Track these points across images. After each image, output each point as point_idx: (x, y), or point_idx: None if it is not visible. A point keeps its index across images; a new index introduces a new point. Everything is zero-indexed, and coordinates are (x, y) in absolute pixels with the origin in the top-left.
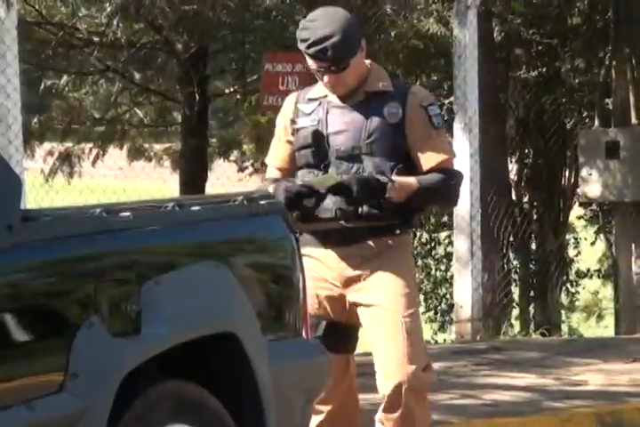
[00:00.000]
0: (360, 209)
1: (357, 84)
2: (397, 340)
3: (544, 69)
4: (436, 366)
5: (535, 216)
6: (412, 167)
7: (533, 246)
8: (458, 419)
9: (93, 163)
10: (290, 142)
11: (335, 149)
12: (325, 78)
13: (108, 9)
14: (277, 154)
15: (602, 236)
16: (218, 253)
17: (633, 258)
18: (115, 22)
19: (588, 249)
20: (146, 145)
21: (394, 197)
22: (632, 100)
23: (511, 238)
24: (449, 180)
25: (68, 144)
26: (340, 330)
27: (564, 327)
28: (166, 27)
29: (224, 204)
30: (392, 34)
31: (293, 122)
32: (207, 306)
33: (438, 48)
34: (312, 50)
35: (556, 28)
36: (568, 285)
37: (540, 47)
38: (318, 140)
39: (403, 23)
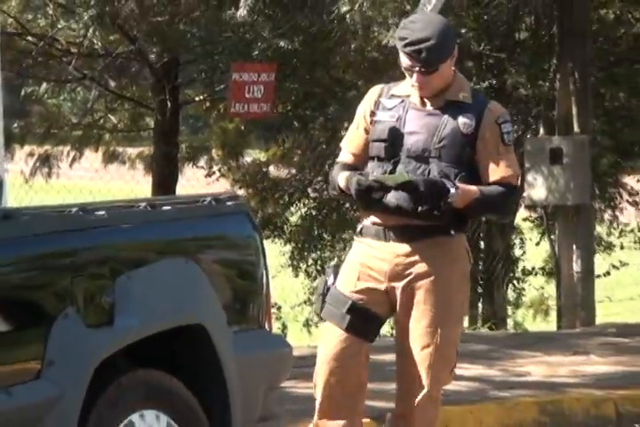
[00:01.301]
0: (419, 208)
1: (442, 89)
2: (429, 348)
3: (493, 81)
4: (387, 357)
5: (484, 218)
6: (473, 175)
7: (482, 246)
8: None
9: (70, 165)
10: (367, 131)
11: (407, 148)
12: (414, 78)
13: (85, 19)
14: (353, 140)
15: (546, 237)
16: (187, 249)
17: (574, 257)
18: (91, 33)
19: (533, 249)
20: (120, 149)
21: (454, 201)
22: (574, 110)
23: None
24: (508, 194)
25: (47, 147)
26: (363, 315)
27: (510, 322)
28: (140, 37)
29: (193, 204)
30: (352, 46)
31: (373, 113)
32: (177, 299)
33: (396, 59)
34: (408, 49)
35: (504, 43)
36: (515, 282)
37: (489, 60)
38: (394, 137)
39: (363, 36)
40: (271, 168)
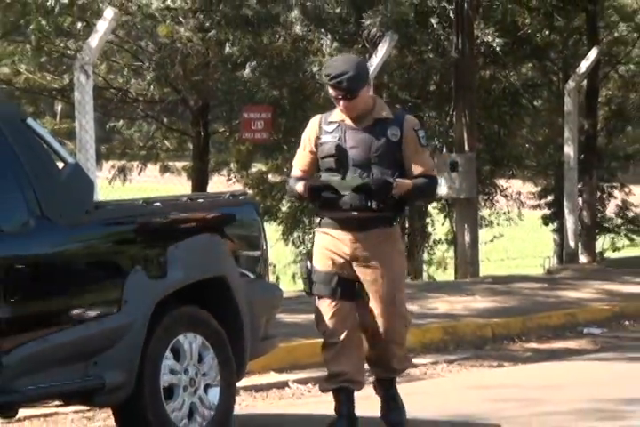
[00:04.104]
0: (369, 203)
1: (366, 111)
2: (389, 310)
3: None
4: None
5: (407, 207)
6: (404, 173)
7: (407, 225)
8: None
9: (139, 173)
10: (312, 152)
11: (351, 159)
12: (341, 104)
13: (148, 78)
14: (302, 160)
15: (448, 219)
16: (213, 228)
17: (465, 232)
18: (152, 87)
19: (439, 227)
20: (171, 163)
21: (395, 194)
22: (465, 136)
23: None
24: (431, 182)
25: (123, 161)
26: (345, 284)
27: (425, 275)
28: (183, 90)
29: (217, 198)
30: (322, 94)
31: (318, 138)
32: (207, 260)
33: None
34: (332, 81)
35: (420, 92)
36: (428, 248)
37: (409, 104)
38: (340, 152)
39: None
40: (270, 175)
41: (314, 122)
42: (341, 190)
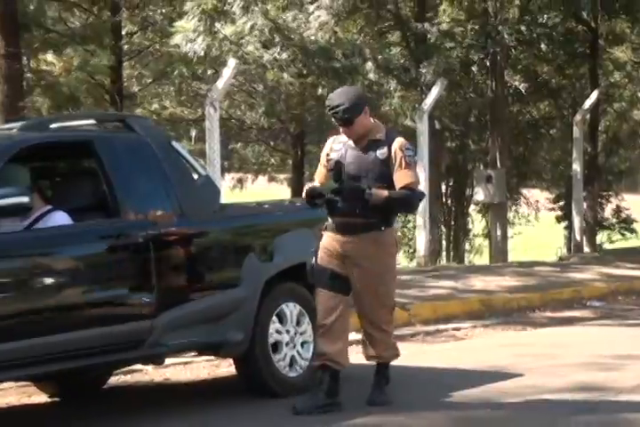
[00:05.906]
0: (356, 209)
1: (364, 134)
2: (371, 299)
3: (459, 142)
4: (406, 276)
5: (453, 208)
6: (390, 186)
7: (452, 223)
8: (415, 302)
9: (252, 182)
10: (325, 166)
11: (347, 173)
12: (341, 129)
13: (260, 112)
14: (319, 173)
15: (484, 218)
16: (305, 224)
17: (497, 228)
18: (263, 118)
19: (478, 224)
20: (275, 175)
21: (371, 200)
22: (498, 156)
23: (442, 219)
24: (410, 195)
25: (241, 174)
26: (338, 278)
27: (467, 260)
28: (286, 120)
29: None
30: (388, 125)
31: (328, 155)
32: (303, 248)
33: (410, 133)
34: (330, 112)
35: (465, 124)
36: (469, 240)
37: (457, 132)
38: (339, 167)
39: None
40: None
41: (328, 142)
42: (324, 192)
